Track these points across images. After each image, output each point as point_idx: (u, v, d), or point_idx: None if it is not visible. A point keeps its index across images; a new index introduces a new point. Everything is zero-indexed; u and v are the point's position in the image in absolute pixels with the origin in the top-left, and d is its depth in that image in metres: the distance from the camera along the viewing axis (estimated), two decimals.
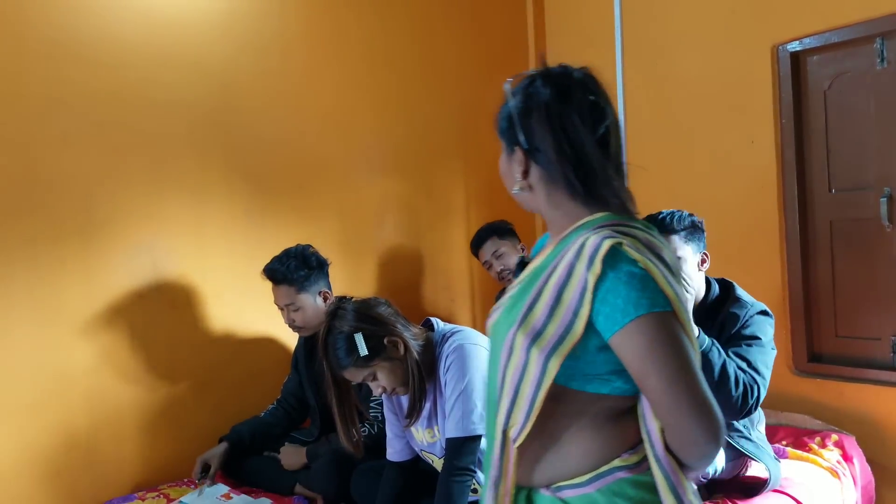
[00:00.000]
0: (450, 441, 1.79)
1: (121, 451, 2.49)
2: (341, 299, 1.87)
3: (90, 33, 2.44)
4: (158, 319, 2.57)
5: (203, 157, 2.69)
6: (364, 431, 2.28)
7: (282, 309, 2.50)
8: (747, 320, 2.18)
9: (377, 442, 2.30)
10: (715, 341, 2.03)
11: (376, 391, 1.85)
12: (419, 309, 3.27)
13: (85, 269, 2.42)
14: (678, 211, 2.30)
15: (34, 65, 2.33)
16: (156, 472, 2.55)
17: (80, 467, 2.39)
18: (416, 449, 1.98)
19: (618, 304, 1.01)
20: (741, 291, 2.28)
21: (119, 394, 2.48)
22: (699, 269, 2.27)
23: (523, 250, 3.13)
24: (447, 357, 1.83)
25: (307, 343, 2.60)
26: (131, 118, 2.52)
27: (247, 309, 2.76)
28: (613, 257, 1.02)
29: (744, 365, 2.06)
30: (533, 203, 1.19)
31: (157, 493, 2.41)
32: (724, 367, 1.94)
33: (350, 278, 3.03)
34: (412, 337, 1.84)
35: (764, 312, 2.22)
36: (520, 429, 1.08)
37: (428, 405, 1.89)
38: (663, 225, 2.26)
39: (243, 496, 2.34)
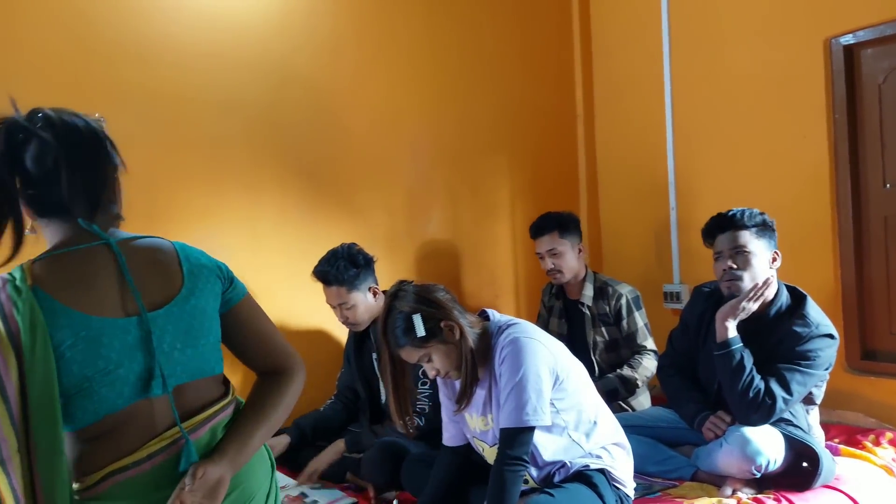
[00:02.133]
0: (503, 431, 1.82)
1: None
2: (402, 282, 1.93)
3: (150, 36, 2.53)
4: None
5: (257, 155, 2.77)
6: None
7: (334, 308, 2.57)
8: (808, 340, 2.19)
9: (425, 433, 2.35)
10: (745, 351, 2.22)
11: (430, 373, 1.90)
12: (463, 303, 3.27)
13: None
14: (749, 208, 2.35)
15: (98, 67, 2.43)
16: None
17: None
18: (468, 436, 2.01)
19: None
20: (811, 307, 2.27)
21: None
22: (770, 267, 2.31)
23: (580, 252, 2.92)
24: (503, 349, 1.87)
25: (356, 338, 2.67)
26: (190, 118, 2.61)
27: (298, 303, 2.83)
28: None
29: (773, 380, 2.18)
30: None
31: None
32: (742, 372, 2.20)
33: (396, 273, 3.06)
34: (468, 324, 1.89)
35: (829, 335, 2.22)
36: None
37: (483, 393, 1.92)
38: (733, 221, 2.32)
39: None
